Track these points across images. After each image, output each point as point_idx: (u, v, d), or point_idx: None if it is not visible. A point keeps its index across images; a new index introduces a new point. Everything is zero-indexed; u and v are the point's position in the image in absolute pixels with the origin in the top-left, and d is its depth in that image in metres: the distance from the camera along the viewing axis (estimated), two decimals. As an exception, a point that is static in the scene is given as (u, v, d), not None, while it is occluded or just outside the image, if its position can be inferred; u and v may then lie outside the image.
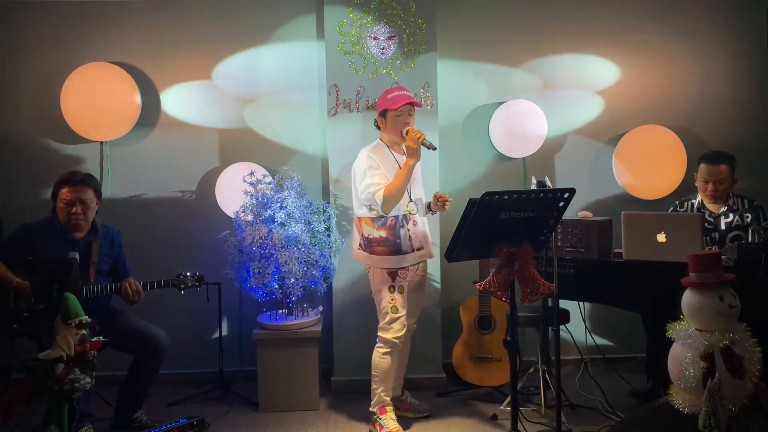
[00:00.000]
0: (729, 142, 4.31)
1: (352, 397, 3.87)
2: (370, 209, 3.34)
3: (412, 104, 3.38)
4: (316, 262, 3.77)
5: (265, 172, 3.98)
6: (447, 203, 3.45)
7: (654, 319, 3.44)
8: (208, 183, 4.25)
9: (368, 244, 3.39)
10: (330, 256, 3.91)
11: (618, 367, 3.94)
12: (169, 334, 3.52)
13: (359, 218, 3.44)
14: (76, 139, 4.15)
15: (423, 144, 3.25)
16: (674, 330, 2.53)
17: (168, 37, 4.26)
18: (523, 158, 4.34)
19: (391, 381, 3.45)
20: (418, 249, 3.41)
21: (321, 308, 4.05)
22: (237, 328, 4.27)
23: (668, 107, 4.45)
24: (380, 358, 3.40)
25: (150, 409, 3.59)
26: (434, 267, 4.04)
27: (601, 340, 4.29)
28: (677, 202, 3.88)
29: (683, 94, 4.47)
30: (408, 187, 3.35)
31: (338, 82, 4.03)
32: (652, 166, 4.26)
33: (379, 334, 3.42)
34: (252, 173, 3.84)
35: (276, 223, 3.73)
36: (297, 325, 3.81)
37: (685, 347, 2.46)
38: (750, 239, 3.40)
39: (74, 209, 3.40)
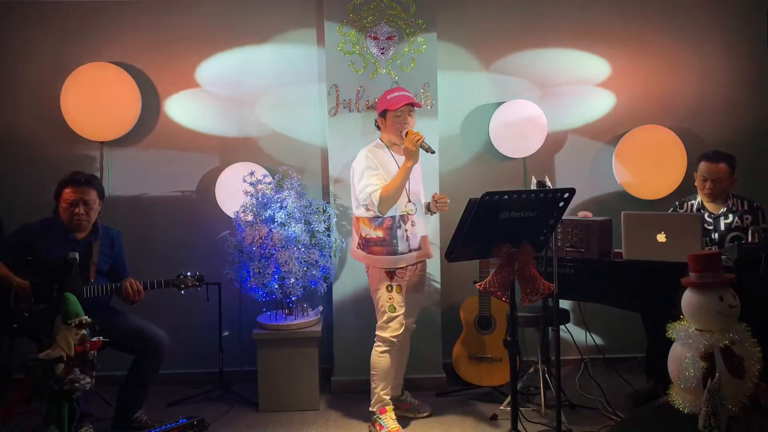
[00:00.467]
0: (729, 142, 4.31)
1: (352, 397, 3.87)
2: (367, 209, 3.34)
3: (412, 104, 3.38)
4: (316, 262, 3.77)
5: (265, 172, 3.98)
6: (446, 205, 3.45)
7: (654, 319, 3.44)
8: (208, 183, 4.25)
9: (366, 244, 3.40)
10: (330, 256, 3.91)
11: (618, 367, 3.94)
12: (169, 334, 3.53)
13: (357, 218, 3.45)
14: (76, 139, 4.15)
15: (422, 147, 3.25)
16: (674, 330, 2.53)
17: (168, 37, 4.25)
18: (523, 158, 4.34)
19: (391, 380, 3.45)
20: (416, 249, 3.41)
21: (321, 308, 4.05)
22: (237, 328, 4.27)
23: (668, 107, 4.45)
24: (378, 356, 3.41)
25: (150, 409, 3.59)
26: (434, 267, 4.04)
27: (601, 340, 4.29)
28: (677, 203, 3.88)
29: (683, 94, 4.47)
30: (407, 187, 3.35)
31: (338, 82, 4.03)
32: (652, 166, 4.26)
33: (377, 332, 3.43)
34: (252, 173, 3.84)
35: (276, 223, 3.73)
36: (297, 325, 3.81)
37: (685, 347, 2.46)
38: (750, 239, 3.40)
39: (77, 210, 3.40)
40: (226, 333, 4.18)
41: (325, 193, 4.19)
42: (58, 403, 2.68)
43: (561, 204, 2.80)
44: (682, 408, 2.44)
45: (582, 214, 3.57)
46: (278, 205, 3.77)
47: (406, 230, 3.37)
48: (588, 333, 3.77)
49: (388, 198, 3.26)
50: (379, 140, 3.48)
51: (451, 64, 4.31)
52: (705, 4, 4.46)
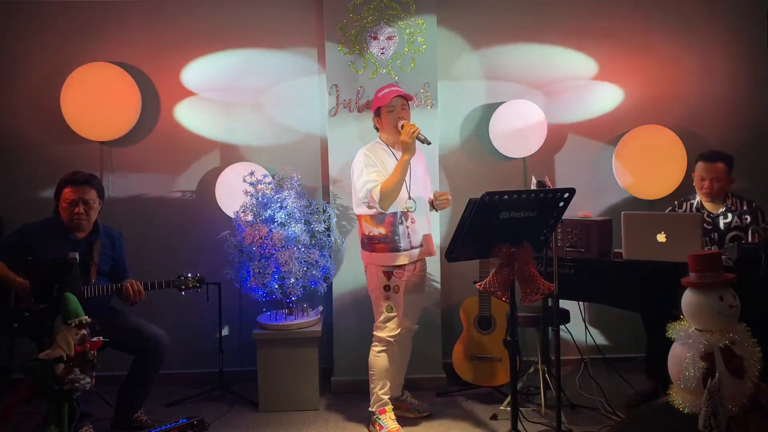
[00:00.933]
0: (729, 142, 4.31)
1: (352, 397, 3.87)
2: (369, 207, 3.33)
3: (404, 98, 3.38)
4: (316, 262, 3.77)
5: (265, 172, 3.98)
6: (447, 201, 3.45)
7: (654, 319, 3.44)
8: (208, 183, 4.25)
9: (368, 242, 3.40)
10: (330, 256, 3.91)
11: (618, 367, 3.94)
12: (169, 334, 3.53)
13: (359, 216, 3.45)
14: (76, 139, 4.15)
15: (418, 138, 3.25)
16: (674, 330, 2.53)
17: (168, 37, 4.26)
18: (523, 158, 4.34)
19: (389, 380, 3.45)
20: (418, 246, 3.41)
21: (321, 308, 4.05)
22: (237, 328, 4.27)
23: (668, 107, 4.45)
24: (376, 356, 3.41)
25: (150, 409, 3.59)
26: (434, 267, 4.04)
27: (601, 340, 4.29)
28: (676, 202, 3.88)
29: (683, 94, 4.47)
30: (406, 183, 3.34)
31: (338, 82, 4.03)
32: (652, 166, 4.26)
33: (375, 332, 3.43)
34: (252, 173, 3.84)
35: (276, 223, 3.73)
36: (297, 325, 3.81)
37: (685, 347, 2.46)
38: (750, 239, 3.40)
39: (77, 209, 3.40)
40: (225, 329, 4.18)
41: (325, 193, 4.19)
42: (58, 403, 2.68)
43: (561, 204, 2.80)
44: (682, 408, 2.44)
45: (582, 214, 3.57)
46: (278, 205, 3.77)
47: (407, 227, 3.37)
48: (588, 333, 3.77)
49: (389, 193, 3.25)
50: (378, 140, 3.48)
51: (451, 64, 4.31)
52: (705, 4, 4.46)
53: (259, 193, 3.80)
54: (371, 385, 3.44)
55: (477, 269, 3.91)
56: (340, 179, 4.05)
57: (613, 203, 4.39)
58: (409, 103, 3.44)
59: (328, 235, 3.90)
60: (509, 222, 2.71)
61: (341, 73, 4.02)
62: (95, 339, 2.77)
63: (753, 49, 4.47)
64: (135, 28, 4.25)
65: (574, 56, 4.42)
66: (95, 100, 4.05)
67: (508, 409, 3.09)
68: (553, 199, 2.78)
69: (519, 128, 4.20)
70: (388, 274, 3.37)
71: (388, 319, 3.39)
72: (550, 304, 3.30)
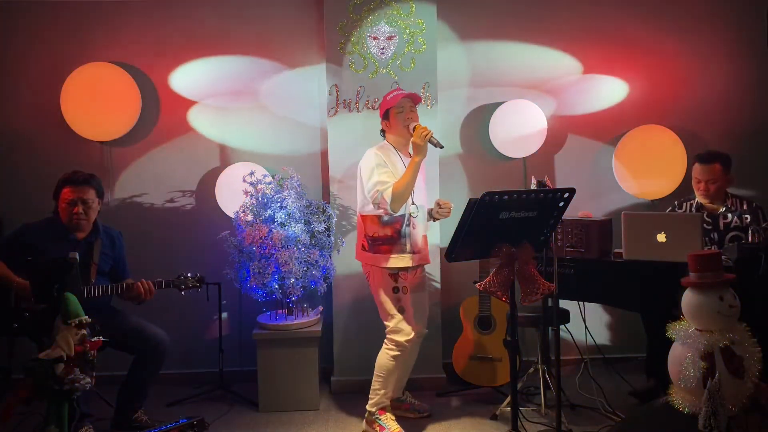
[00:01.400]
0: (729, 142, 4.32)
1: (352, 397, 3.87)
2: (378, 207, 3.31)
3: (412, 99, 3.37)
4: (316, 262, 3.77)
5: (265, 172, 3.97)
6: (449, 211, 3.42)
7: (654, 319, 3.44)
8: (208, 183, 4.25)
9: (372, 244, 3.37)
10: (330, 256, 3.91)
11: (618, 367, 3.94)
12: (169, 334, 3.53)
13: (364, 217, 3.42)
14: (76, 139, 4.15)
15: (430, 142, 3.23)
16: (674, 330, 2.53)
17: (168, 37, 4.26)
18: (523, 158, 4.34)
19: (393, 384, 3.44)
20: (417, 252, 3.39)
21: (321, 308, 4.05)
22: (237, 328, 4.27)
23: (668, 107, 4.45)
24: (389, 360, 3.36)
25: (150, 409, 3.59)
26: (434, 267, 4.04)
27: (601, 340, 4.29)
28: (676, 202, 3.88)
29: (683, 94, 4.47)
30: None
31: (338, 82, 4.03)
32: (652, 166, 4.26)
33: (390, 336, 3.36)
34: (252, 173, 3.84)
35: (276, 223, 3.73)
36: (297, 325, 3.81)
37: (685, 347, 2.46)
38: (750, 239, 3.40)
39: (76, 209, 3.40)
40: (224, 314, 4.18)
41: (325, 193, 4.20)
42: (58, 403, 2.68)
43: (561, 204, 2.80)
44: (682, 408, 2.45)
45: (582, 214, 3.57)
46: (278, 205, 3.77)
47: (410, 231, 3.36)
48: (588, 333, 3.77)
49: (400, 195, 3.22)
50: (385, 142, 3.45)
51: (451, 64, 4.31)
52: (705, 4, 4.46)
53: (259, 193, 3.80)
54: (376, 386, 3.40)
55: (477, 269, 3.91)
56: (340, 179, 4.05)
57: (613, 203, 4.38)
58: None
59: (328, 235, 3.90)
60: (509, 222, 2.71)
61: (341, 73, 4.02)
62: (95, 339, 2.77)
63: (753, 49, 4.47)
64: (135, 28, 4.25)
65: (574, 56, 4.41)
66: (95, 100, 4.04)
67: (508, 409, 3.09)
68: (553, 199, 2.78)
69: (519, 128, 4.20)
70: (395, 276, 3.35)
71: (402, 321, 3.35)
72: (550, 304, 3.30)
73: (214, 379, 4.02)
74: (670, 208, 3.88)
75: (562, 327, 3.61)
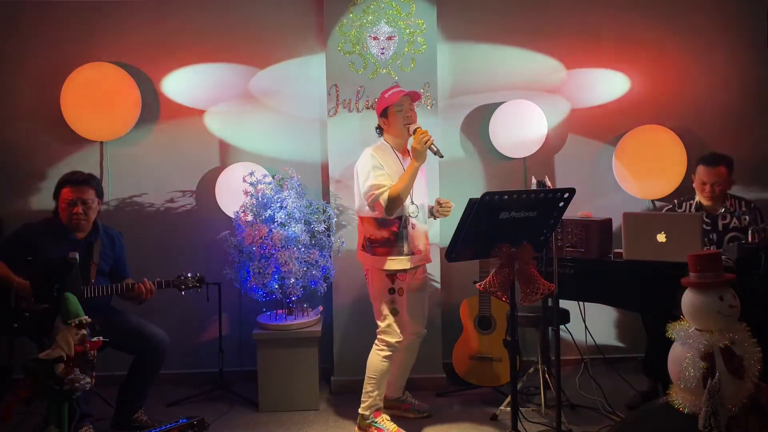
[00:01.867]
0: (729, 142, 4.32)
1: (352, 397, 3.85)
2: (373, 210, 3.31)
3: (411, 97, 3.35)
4: (316, 262, 3.77)
5: (265, 172, 3.97)
6: (449, 210, 3.42)
7: (654, 319, 3.44)
8: (208, 183, 4.25)
9: (370, 245, 3.37)
10: (330, 256, 3.91)
11: (618, 367, 3.94)
12: (169, 334, 3.53)
13: (361, 218, 3.42)
14: (76, 139, 4.15)
15: (430, 149, 3.19)
16: (674, 330, 2.53)
17: (168, 37, 4.25)
18: (523, 158, 4.34)
19: (385, 385, 3.44)
20: (417, 253, 3.38)
21: (321, 308, 4.05)
22: (237, 328, 4.27)
23: (668, 107, 4.45)
24: (381, 361, 3.37)
25: (150, 409, 3.59)
26: (434, 267, 4.04)
27: (601, 340, 4.29)
28: (675, 201, 3.88)
29: (683, 94, 4.47)
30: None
31: (338, 82, 4.03)
32: (652, 166, 4.26)
33: (381, 337, 3.38)
34: (252, 173, 3.84)
35: (276, 223, 3.73)
36: (297, 325, 3.82)
37: (685, 347, 2.47)
38: (750, 239, 3.40)
39: (76, 209, 3.40)
40: (224, 329, 4.18)
41: (325, 193, 4.19)
42: (58, 403, 2.68)
43: (561, 204, 2.80)
44: (682, 408, 2.45)
45: (582, 214, 3.56)
46: (278, 205, 3.77)
47: (409, 232, 3.34)
48: (588, 333, 3.77)
49: (396, 199, 3.20)
50: (383, 141, 3.43)
51: (451, 64, 4.31)
52: (705, 4, 4.46)
53: (259, 193, 3.80)
54: (368, 388, 3.40)
55: (477, 269, 3.91)
56: (340, 179, 4.05)
57: (613, 203, 4.38)
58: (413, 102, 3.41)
59: (328, 235, 3.90)
60: (509, 222, 2.71)
61: (341, 73, 4.02)
62: (95, 339, 2.78)
63: (753, 49, 4.46)
64: (135, 28, 4.25)
65: (574, 56, 4.41)
66: (95, 100, 4.04)
67: (508, 409, 3.09)
68: (553, 199, 2.78)
69: (519, 128, 4.20)
70: (392, 277, 3.34)
71: (395, 323, 3.36)
72: (550, 304, 3.30)
73: (214, 379, 4.02)
74: (670, 207, 3.88)
75: (562, 327, 3.60)
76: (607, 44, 4.42)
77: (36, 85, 4.22)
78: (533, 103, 4.24)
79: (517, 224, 2.73)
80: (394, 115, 3.32)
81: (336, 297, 4.08)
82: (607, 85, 4.44)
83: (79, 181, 3.44)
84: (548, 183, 3.13)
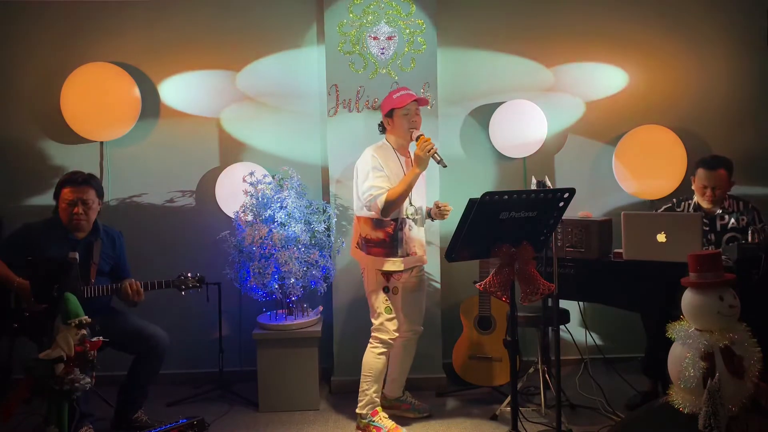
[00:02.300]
0: (729, 142, 4.32)
1: (352, 397, 3.84)
2: (369, 210, 3.32)
3: (419, 102, 3.36)
4: (316, 262, 3.77)
5: (265, 172, 3.97)
6: (448, 213, 3.43)
7: (654, 319, 3.44)
8: (208, 183, 4.25)
9: (365, 244, 3.39)
10: (330, 256, 3.91)
11: (618, 367, 3.94)
12: (169, 334, 3.53)
13: (358, 218, 3.44)
14: (76, 139, 4.15)
15: (433, 157, 3.20)
16: (674, 330, 2.53)
17: (168, 37, 4.25)
18: (523, 158, 4.34)
19: (382, 382, 3.44)
20: (412, 254, 3.39)
21: (321, 308, 4.05)
22: (237, 328, 4.27)
23: (668, 107, 4.45)
24: (375, 358, 3.39)
25: (150, 409, 3.59)
26: (434, 267, 4.04)
27: (601, 340, 4.29)
28: (674, 200, 3.87)
29: (683, 94, 4.47)
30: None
31: (338, 82, 4.03)
32: (652, 166, 4.26)
33: (375, 334, 3.41)
34: (252, 173, 3.84)
35: (276, 223, 3.73)
36: (297, 325, 3.82)
37: (685, 347, 2.46)
38: (750, 239, 3.40)
39: (76, 209, 3.40)
40: (225, 329, 4.18)
41: (325, 193, 4.20)
42: (58, 403, 2.69)
43: (561, 204, 2.80)
44: (682, 408, 2.44)
45: (582, 214, 3.57)
46: (278, 205, 3.77)
47: (405, 234, 3.36)
48: (588, 333, 3.77)
49: (393, 203, 3.23)
50: (384, 141, 3.45)
51: (451, 64, 4.31)
52: (705, 3, 4.46)
53: (259, 193, 3.80)
54: (364, 387, 3.42)
55: (477, 269, 3.91)
56: (340, 179, 4.05)
57: (613, 203, 4.38)
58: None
59: (328, 235, 3.90)
60: (509, 222, 2.71)
61: (341, 73, 4.02)
62: (95, 339, 2.78)
63: (753, 48, 4.46)
64: (135, 28, 4.25)
65: (574, 56, 4.41)
66: (95, 100, 4.04)
67: (508, 409, 3.09)
68: (553, 199, 2.78)
69: (519, 128, 4.20)
70: (387, 276, 3.36)
71: (388, 320, 3.38)
72: (550, 304, 3.30)
73: (214, 379, 4.02)
74: (669, 205, 3.87)
75: (562, 327, 3.60)
76: (607, 44, 4.42)
77: (36, 85, 4.22)
78: (533, 103, 4.24)
79: (517, 224, 2.73)
80: (400, 117, 3.34)
81: (336, 297, 4.08)
82: (607, 78, 4.44)
83: (80, 181, 3.44)
84: (548, 183, 3.13)
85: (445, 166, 3.25)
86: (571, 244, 3.40)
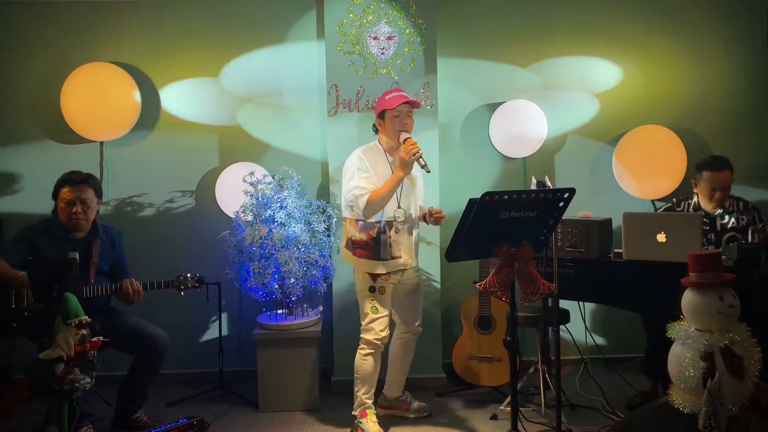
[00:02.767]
0: (728, 141, 4.32)
1: (352, 396, 3.86)
2: (352, 210, 3.32)
3: (411, 104, 3.36)
4: (316, 262, 3.77)
5: (265, 172, 3.97)
6: (441, 219, 3.42)
7: (654, 319, 3.44)
8: (208, 183, 4.25)
9: (352, 245, 3.39)
10: (330, 256, 3.91)
11: (618, 367, 3.94)
12: (169, 334, 3.53)
13: (345, 219, 3.45)
14: (76, 139, 4.15)
15: (417, 161, 3.19)
16: (674, 330, 2.53)
17: (167, 37, 4.25)
18: (523, 158, 4.34)
19: (374, 383, 3.43)
20: (397, 257, 3.35)
21: (321, 308, 4.05)
22: (237, 328, 4.27)
23: (668, 107, 4.45)
24: (362, 359, 3.39)
25: (150, 409, 3.59)
26: (434, 267, 4.04)
27: (601, 340, 4.29)
28: (674, 200, 3.87)
29: (683, 94, 4.47)
30: (398, 193, 3.31)
31: (338, 82, 4.03)
32: (652, 166, 4.25)
33: (361, 335, 3.41)
34: (252, 173, 3.83)
35: (276, 223, 3.73)
36: (297, 325, 3.81)
37: (685, 347, 2.47)
38: (750, 239, 3.40)
39: (75, 209, 3.40)
40: (225, 329, 4.18)
41: (325, 193, 4.19)
42: (58, 403, 2.69)
43: (561, 204, 2.80)
44: (682, 408, 2.45)
45: (582, 214, 3.56)
46: (278, 205, 3.77)
47: (389, 236, 3.33)
48: (588, 333, 3.77)
49: (375, 204, 3.23)
50: (376, 142, 3.44)
51: (451, 64, 4.31)
52: (705, 4, 4.45)
53: (259, 193, 3.80)
54: (355, 389, 3.43)
55: (477, 269, 3.91)
56: (340, 179, 4.04)
57: (613, 203, 4.38)
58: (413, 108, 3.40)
59: (328, 235, 3.90)
60: (509, 222, 2.71)
61: (341, 73, 4.02)
62: (95, 339, 2.78)
63: (753, 48, 4.47)
64: (135, 28, 4.24)
65: (574, 56, 4.41)
66: (95, 100, 4.04)
67: (508, 409, 3.09)
68: (553, 199, 2.78)
69: (519, 128, 4.20)
70: (374, 276, 3.35)
71: (374, 320, 3.36)
72: (550, 304, 3.30)
73: (214, 379, 4.02)
74: (669, 205, 3.87)
75: (562, 327, 3.60)
76: (607, 44, 4.42)
77: (36, 84, 4.22)
78: (533, 103, 4.24)
79: (517, 224, 2.73)
80: (390, 119, 3.32)
81: (336, 297, 4.08)
82: (607, 78, 4.44)
83: (78, 180, 3.44)
84: (548, 183, 3.13)
85: (428, 171, 3.25)
86: (571, 244, 3.40)
